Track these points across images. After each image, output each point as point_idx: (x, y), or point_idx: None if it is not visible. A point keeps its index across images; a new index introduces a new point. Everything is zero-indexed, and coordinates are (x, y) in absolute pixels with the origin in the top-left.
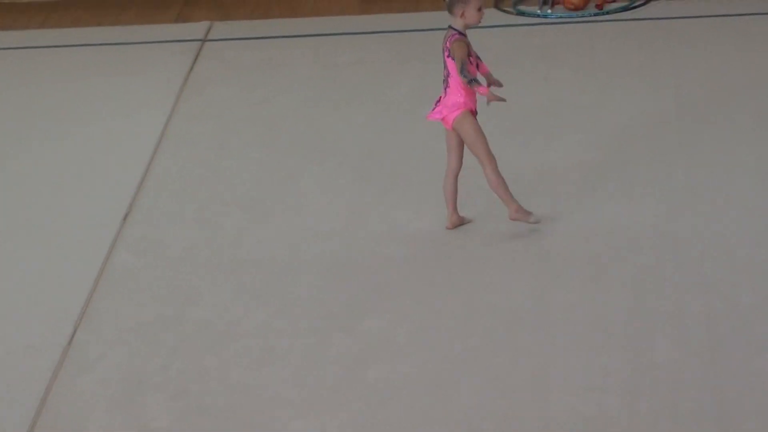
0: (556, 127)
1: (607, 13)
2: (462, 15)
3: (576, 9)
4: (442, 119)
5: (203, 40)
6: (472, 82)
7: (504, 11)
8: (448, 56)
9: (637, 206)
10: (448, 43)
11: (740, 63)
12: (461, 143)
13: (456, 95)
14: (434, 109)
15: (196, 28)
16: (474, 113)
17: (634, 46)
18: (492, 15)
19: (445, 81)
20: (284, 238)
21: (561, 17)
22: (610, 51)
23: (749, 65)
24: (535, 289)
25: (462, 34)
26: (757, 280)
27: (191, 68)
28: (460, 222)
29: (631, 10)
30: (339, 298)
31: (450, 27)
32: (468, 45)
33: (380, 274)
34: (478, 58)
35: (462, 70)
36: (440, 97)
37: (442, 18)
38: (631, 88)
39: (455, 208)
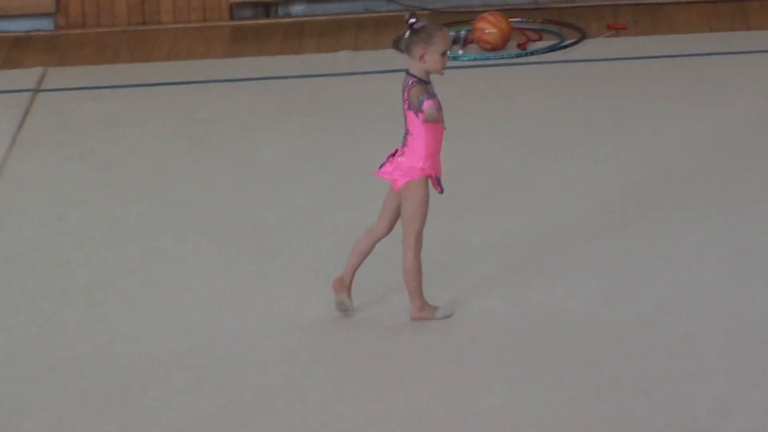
0: (471, 196)
1: (532, 53)
2: (421, 58)
3: (493, 49)
4: (393, 181)
5: (35, 90)
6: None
7: (404, 51)
8: (407, 108)
9: (571, 290)
10: (406, 92)
11: (693, 112)
12: (398, 211)
13: (415, 158)
14: (384, 165)
15: (26, 76)
16: (435, 181)
17: (564, 93)
18: (388, 57)
19: (405, 139)
20: (134, 334)
21: (475, 59)
22: (535, 100)
23: (705, 114)
24: (448, 392)
25: (423, 81)
26: (711, 381)
27: (20, 125)
28: (348, 296)
29: (561, 50)
30: (201, 409)
31: (407, 73)
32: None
33: (253, 377)
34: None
35: (418, 104)
36: (395, 152)
37: (327, 61)
38: (563, 146)
39: (353, 273)
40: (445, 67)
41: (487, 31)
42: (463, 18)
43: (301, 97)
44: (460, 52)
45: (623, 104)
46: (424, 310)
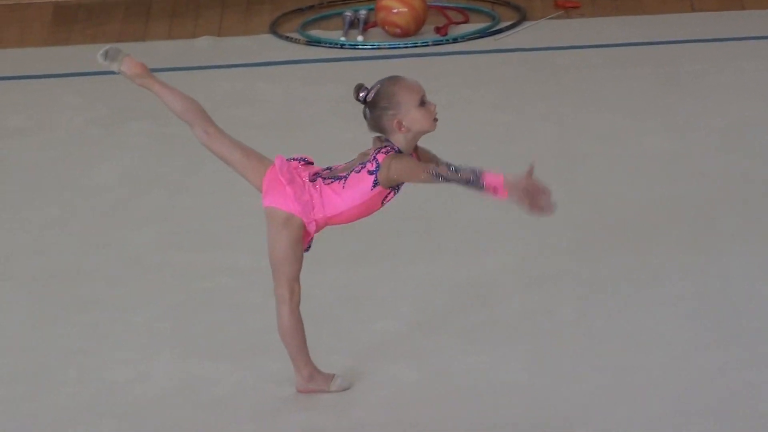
0: (375, 230)
1: (454, 40)
2: (400, 127)
3: (404, 34)
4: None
5: None
6: (472, 176)
7: (285, 38)
8: (368, 170)
9: (498, 359)
10: (376, 157)
11: (664, 123)
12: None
13: (330, 206)
14: (292, 162)
15: None
16: (308, 236)
17: (496, 93)
18: (268, 43)
19: (339, 177)
20: None
21: (378, 47)
22: (456, 102)
23: (679, 127)
24: None
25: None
26: None
27: None
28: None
29: (493, 36)
30: None
31: (381, 139)
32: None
33: None
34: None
35: (456, 172)
36: (307, 174)
37: (181, 51)
38: (493, 152)
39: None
40: (435, 117)
41: (395, 11)
42: None
43: (144, 98)
44: (360, 38)
45: (571, 110)
46: (314, 380)
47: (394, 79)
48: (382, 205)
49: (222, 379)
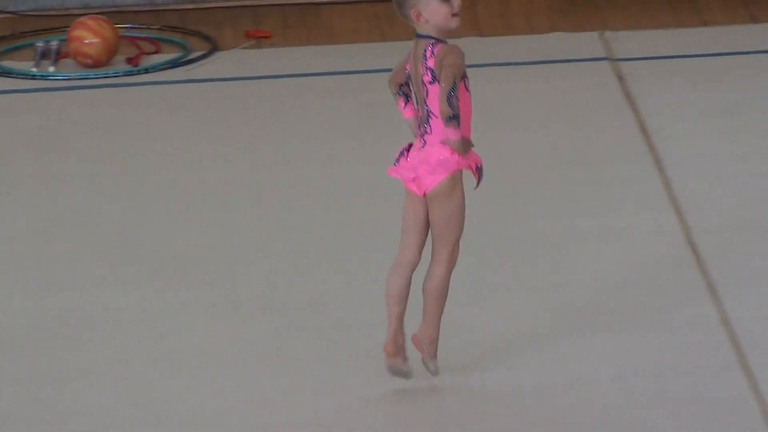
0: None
1: (146, 71)
2: (419, 18)
3: (96, 65)
4: (413, 179)
5: None
6: (452, 119)
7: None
8: (429, 80)
9: None
10: (429, 59)
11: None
12: (428, 223)
13: (441, 147)
14: (399, 162)
15: None
16: (476, 171)
17: (191, 124)
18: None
19: (426, 123)
20: None
21: (70, 78)
22: (153, 133)
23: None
24: None
25: (442, 40)
26: None
27: None
28: (404, 359)
29: (185, 66)
30: None
31: (419, 36)
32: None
33: None
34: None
35: (448, 100)
36: (409, 146)
37: None
38: (186, 181)
39: (401, 326)
40: (456, 14)
41: (86, 42)
42: (56, 24)
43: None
44: (51, 69)
45: (264, 139)
46: (434, 345)
47: None
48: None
49: None
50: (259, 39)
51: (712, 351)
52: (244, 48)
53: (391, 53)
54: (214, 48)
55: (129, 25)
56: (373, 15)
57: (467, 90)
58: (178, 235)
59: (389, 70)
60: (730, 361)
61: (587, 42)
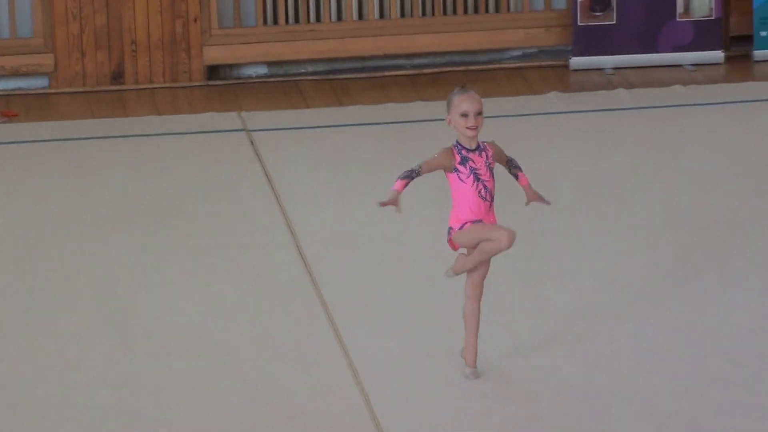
0: None
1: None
2: (450, 123)
3: None
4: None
5: None
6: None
7: None
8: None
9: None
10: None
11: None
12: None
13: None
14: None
15: None
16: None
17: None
18: None
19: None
20: None
21: None
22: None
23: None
24: None
25: (459, 144)
26: None
27: None
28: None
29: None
30: None
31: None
32: (464, 157)
33: None
34: (511, 164)
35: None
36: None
37: None
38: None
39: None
40: (471, 127)
41: None
42: None
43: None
44: None
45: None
46: (470, 356)
47: (463, 89)
48: (459, 179)
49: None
50: (11, 117)
51: None
52: (1, 123)
53: (99, 127)
54: None
55: None
56: (85, 100)
57: (461, 181)
58: None
59: (97, 137)
60: None
61: (229, 119)
